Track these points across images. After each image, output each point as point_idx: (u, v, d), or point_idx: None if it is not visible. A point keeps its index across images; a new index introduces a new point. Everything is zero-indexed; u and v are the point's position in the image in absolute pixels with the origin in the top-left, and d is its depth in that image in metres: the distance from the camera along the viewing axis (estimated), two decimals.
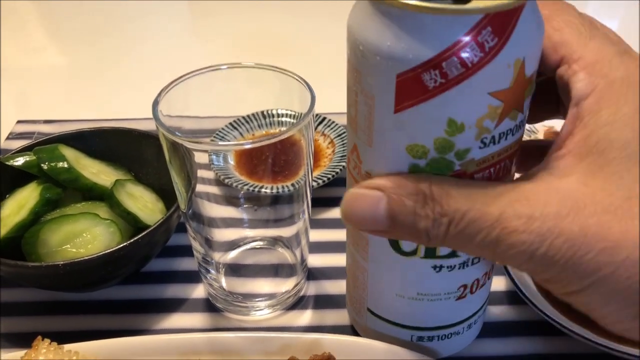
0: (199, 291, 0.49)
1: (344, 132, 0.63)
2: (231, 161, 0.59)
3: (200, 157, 0.43)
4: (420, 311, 0.38)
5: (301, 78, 0.42)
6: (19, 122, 0.70)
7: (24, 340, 0.40)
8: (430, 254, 0.34)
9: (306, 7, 1.04)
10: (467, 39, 0.25)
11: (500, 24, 0.26)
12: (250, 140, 0.39)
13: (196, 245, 0.46)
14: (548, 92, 0.33)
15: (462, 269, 0.35)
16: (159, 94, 0.40)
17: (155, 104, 0.40)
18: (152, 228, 0.44)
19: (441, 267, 0.34)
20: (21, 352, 0.39)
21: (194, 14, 1.11)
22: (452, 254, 0.34)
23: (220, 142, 0.39)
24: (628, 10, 1.00)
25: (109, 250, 0.42)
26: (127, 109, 0.72)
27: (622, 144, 0.26)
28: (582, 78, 0.28)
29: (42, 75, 0.86)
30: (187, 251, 0.52)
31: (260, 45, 0.93)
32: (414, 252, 0.34)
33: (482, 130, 0.28)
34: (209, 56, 0.89)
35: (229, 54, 0.90)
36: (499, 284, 0.49)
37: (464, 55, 0.26)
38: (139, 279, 0.50)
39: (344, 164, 0.58)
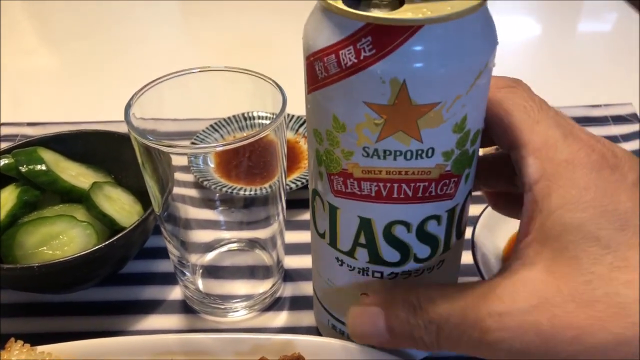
0: (175, 293, 0.50)
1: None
2: (211, 163, 0.59)
3: (179, 160, 0.44)
4: (334, 300, 0.39)
5: (272, 80, 0.42)
6: (3, 124, 0.70)
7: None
8: (332, 243, 0.36)
9: (294, 8, 1.04)
10: (347, 41, 0.27)
11: (381, 38, 0.26)
12: (222, 143, 0.39)
13: (171, 248, 0.46)
14: (506, 164, 0.34)
15: (362, 275, 0.36)
16: (132, 98, 0.41)
17: (128, 107, 0.40)
18: (127, 230, 0.45)
19: (342, 262, 0.36)
20: None
21: (184, 15, 1.11)
22: (351, 252, 0.35)
23: (192, 145, 0.39)
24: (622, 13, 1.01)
25: (84, 252, 0.43)
26: (116, 111, 0.72)
27: (576, 226, 0.28)
28: (531, 163, 0.30)
29: (32, 77, 0.86)
30: (164, 253, 0.52)
31: (249, 47, 0.93)
32: (322, 236, 0.36)
33: (362, 137, 0.29)
34: (199, 58, 0.90)
35: (219, 55, 0.91)
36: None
37: (342, 55, 0.27)
38: (117, 280, 0.50)
39: None
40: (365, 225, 0.33)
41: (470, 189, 0.34)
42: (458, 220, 0.34)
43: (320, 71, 0.29)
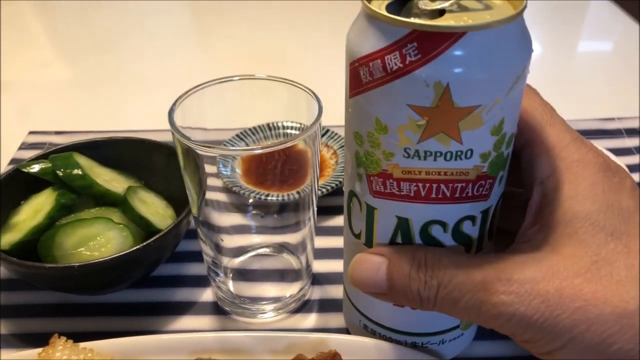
0: (207, 295, 0.51)
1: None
2: (238, 170, 0.61)
3: (209, 168, 0.45)
4: (367, 300, 0.40)
5: (309, 89, 0.44)
6: (30, 133, 0.72)
7: (39, 341, 0.41)
8: (367, 243, 0.37)
9: (311, 20, 1.06)
10: (393, 47, 0.28)
11: (426, 43, 0.28)
12: (260, 146, 0.41)
13: (206, 249, 0.48)
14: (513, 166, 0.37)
15: None
16: (174, 103, 0.42)
17: (171, 111, 0.42)
18: (163, 232, 0.46)
19: None
20: (38, 350, 0.40)
21: (196, 25, 1.14)
22: None
23: (231, 148, 0.41)
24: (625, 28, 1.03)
25: (122, 253, 0.44)
26: (132, 121, 0.74)
27: (585, 215, 0.31)
28: (544, 160, 0.33)
29: (48, 90, 0.88)
30: (195, 257, 0.54)
31: (262, 59, 0.95)
32: (358, 236, 0.38)
33: (404, 139, 0.30)
34: (212, 67, 0.91)
35: (231, 66, 0.92)
36: None
37: (387, 60, 0.29)
38: (149, 282, 0.52)
39: None
40: (402, 225, 0.34)
41: (503, 191, 0.35)
42: (491, 222, 0.35)
43: (365, 76, 0.30)
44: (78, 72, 0.95)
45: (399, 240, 0.35)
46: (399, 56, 0.28)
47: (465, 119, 0.29)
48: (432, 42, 0.28)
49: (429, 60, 0.28)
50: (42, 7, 1.17)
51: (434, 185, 0.32)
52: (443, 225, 0.33)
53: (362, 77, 0.30)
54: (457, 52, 0.28)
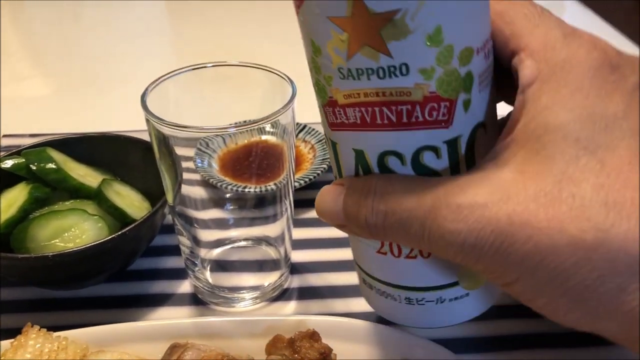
0: (185, 287, 0.50)
1: (324, 139, 0.65)
2: (215, 166, 0.61)
3: (185, 163, 0.45)
4: (385, 266, 0.37)
5: (283, 73, 0.44)
6: (5, 136, 0.71)
7: (13, 336, 0.40)
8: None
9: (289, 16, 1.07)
10: None
11: None
12: (233, 125, 0.41)
13: (183, 241, 0.47)
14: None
15: None
16: (147, 88, 0.42)
17: (144, 95, 0.41)
18: (139, 221, 0.46)
19: None
20: (11, 340, 0.40)
21: (172, 27, 1.14)
22: None
23: (205, 127, 0.40)
24: None
25: (97, 242, 0.44)
26: (109, 125, 0.74)
27: (557, 126, 0.26)
28: (528, 65, 0.29)
29: (22, 99, 0.87)
30: (172, 251, 0.54)
31: (241, 57, 0.95)
32: (335, 178, 0.36)
33: (335, 57, 0.29)
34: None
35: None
36: None
37: None
38: (125, 276, 0.51)
39: (324, 166, 0.60)
40: (360, 158, 0.32)
41: (483, 123, 0.31)
42: (468, 157, 0.30)
43: None
44: (53, 80, 0.94)
45: (361, 174, 0.32)
46: None
47: (387, 27, 0.26)
48: None
49: None
50: (15, 17, 1.17)
51: (377, 109, 0.29)
52: (399, 156, 0.30)
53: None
54: None
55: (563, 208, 0.24)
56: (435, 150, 0.30)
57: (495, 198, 0.26)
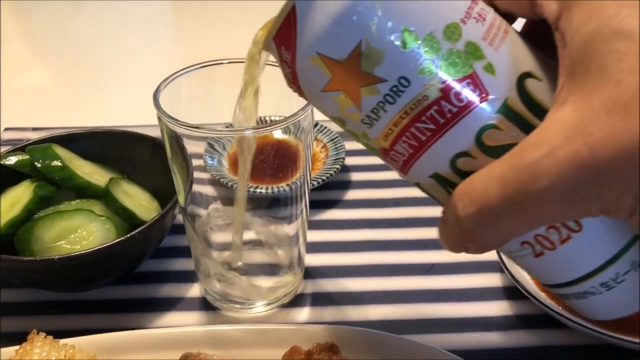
0: (194, 290, 0.49)
1: (337, 137, 0.63)
2: (225, 164, 0.59)
3: (196, 161, 0.43)
4: (523, 267, 0.34)
5: None
6: (6, 129, 0.69)
7: (18, 340, 0.38)
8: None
9: None
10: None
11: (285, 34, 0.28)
12: (250, 128, 0.39)
13: (194, 243, 0.46)
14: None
15: None
16: (160, 84, 0.41)
17: (157, 92, 0.40)
18: (148, 223, 0.44)
19: None
20: (16, 347, 0.38)
21: (177, 21, 1.12)
22: None
23: (219, 129, 0.39)
24: None
25: (105, 245, 0.42)
26: (113, 120, 0.72)
27: (596, 33, 0.25)
28: (548, 4, 0.27)
29: (26, 93, 0.85)
30: (181, 252, 0.52)
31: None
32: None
33: (353, 116, 0.29)
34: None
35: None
36: (495, 280, 0.49)
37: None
38: (133, 279, 0.49)
39: (337, 166, 0.59)
40: (440, 180, 0.30)
41: (527, 73, 0.28)
42: (534, 111, 0.28)
43: None
44: (56, 74, 0.92)
45: (450, 190, 0.30)
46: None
47: (362, 62, 0.27)
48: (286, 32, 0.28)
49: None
50: (16, 10, 1.14)
51: (413, 130, 0.28)
52: (465, 154, 0.28)
53: None
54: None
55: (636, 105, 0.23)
56: (492, 126, 0.28)
57: (566, 134, 0.24)
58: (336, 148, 0.62)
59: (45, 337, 0.38)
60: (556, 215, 0.26)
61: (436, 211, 0.55)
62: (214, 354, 0.38)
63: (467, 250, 0.29)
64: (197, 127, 0.38)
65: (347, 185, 0.61)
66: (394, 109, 0.28)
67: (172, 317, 0.46)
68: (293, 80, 0.30)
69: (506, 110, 0.28)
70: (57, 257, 0.41)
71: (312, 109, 0.42)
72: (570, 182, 0.24)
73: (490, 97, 0.27)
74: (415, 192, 0.59)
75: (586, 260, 0.31)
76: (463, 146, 0.28)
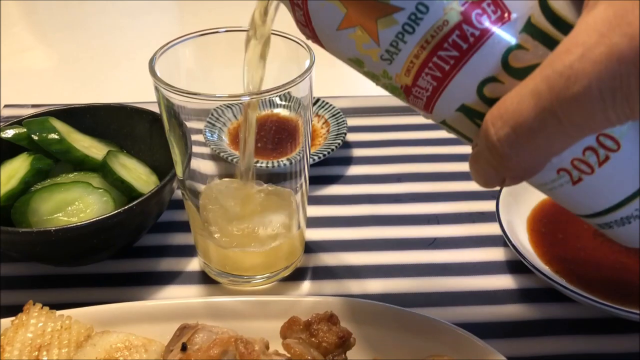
0: (193, 264, 0.48)
1: (339, 113, 0.62)
2: (225, 139, 0.58)
3: (195, 137, 0.43)
4: (557, 200, 0.32)
5: (301, 41, 0.41)
6: (6, 106, 0.69)
7: (16, 312, 0.38)
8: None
9: None
10: None
11: None
12: (247, 93, 0.39)
13: (193, 217, 0.45)
14: None
15: None
16: (156, 53, 0.40)
17: (152, 61, 0.39)
18: (147, 195, 0.43)
19: None
20: (12, 318, 0.38)
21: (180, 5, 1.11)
22: None
23: (216, 95, 0.38)
24: None
25: (103, 217, 0.41)
26: (114, 97, 0.71)
27: None
28: None
29: (27, 75, 0.85)
30: (180, 227, 0.51)
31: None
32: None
33: (372, 52, 0.28)
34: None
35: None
36: (498, 254, 0.49)
37: None
38: (131, 253, 0.49)
39: (339, 141, 0.58)
40: (468, 112, 0.29)
41: None
42: (560, 27, 0.27)
43: None
44: (56, 54, 0.92)
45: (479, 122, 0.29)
46: None
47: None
48: None
49: None
50: None
51: (436, 59, 0.27)
52: (492, 79, 0.27)
53: None
54: None
55: None
56: (518, 46, 0.26)
57: (602, 30, 0.23)
58: (338, 124, 0.61)
59: (42, 308, 0.38)
60: (597, 121, 0.24)
61: (439, 187, 0.55)
62: (212, 325, 0.38)
63: (502, 183, 0.28)
64: (195, 94, 0.37)
65: (348, 161, 0.60)
66: (413, 39, 0.27)
67: (172, 291, 0.46)
68: (306, 23, 0.29)
69: (531, 29, 0.26)
70: (53, 228, 0.40)
71: (310, 80, 0.41)
72: (609, 80, 0.23)
73: (513, 16, 0.26)
74: (417, 168, 0.59)
75: (627, 181, 0.29)
76: (489, 71, 0.27)
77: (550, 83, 0.24)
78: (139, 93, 0.69)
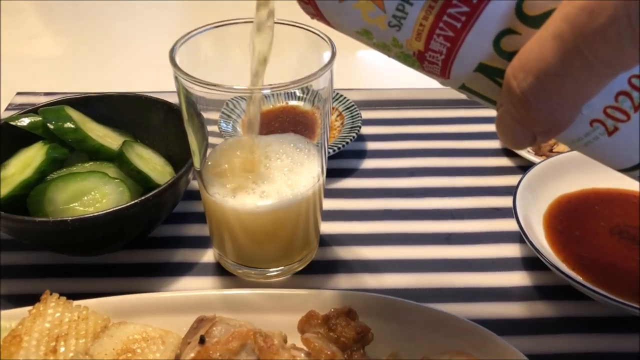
0: (208, 256, 0.48)
1: (353, 106, 0.62)
2: (240, 130, 0.58)
3: (210, 127, 0.43)
4: (594, 156, 0.30)
5: (322, 33, 0.41)
6: (18, 93, 0.69)
7: (31, 302, 0.38)
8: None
9: None
10: None
11: None
12: (269, 86, 0.38)
13: (208, 207, 0.45)
14: None
15: None
16: (176, 43, 0.39)
17: (173, 51, 0.39)
18: (163, 186, 0.43)
19: None
20: (29, 308, 0.37)
21: None
22: None
23: (237, 87, 0.38)
24: None
25: (119, 207, 0.41)
26: (126, 85, 0.71)
27: None
28: None
29: (38, 61, 0.84)
30: (195, 218, 0.51)
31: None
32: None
33: (378, 20, 0.27)
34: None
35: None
36: (514, 251, 0.48)
37: None
38: (146, 243, 0.49)
39: (353, 134, 0.57)
40: (486, 71, 0.27)
41: None
42: None
43: None
44: (68, 43, 0.91)
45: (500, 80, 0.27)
46: None
47: None
48: None
49: None
50: None
51: (446, 18, 0.25)
52: (508, 31, 0.26)
53: None
54: None
55: None
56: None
57: None
58: (352, 117, 0.60)
59: (59, 298, 0.38)
60: (627, 54, 0.22)
61: (453, 182, 0.55)
62: (230, 318, 0.38)
63: (533, 141, 0.27)
64: (215, 85, 0.37)
65: (362, 154, 0.60)
66: (419, 1, 0.25)
67: (187, 282, 0.46)
68: (308, 0, 0.28)
69: None
70: (70, 218, 0.40)
71: (331, 73, 0.40)
72: (638, 4, 0.21)
73: None
74: (431, 162, 0.58)
75: None
76: (504, 23, 0.25)
77: (572, 20, 0.22)
78: (152, 80, 0.69)
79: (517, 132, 0.26)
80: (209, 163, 0.44)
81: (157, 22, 0.96)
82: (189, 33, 0.41)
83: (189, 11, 1.04)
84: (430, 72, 0.28)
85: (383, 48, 0.28)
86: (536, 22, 0.24)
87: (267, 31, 0.38)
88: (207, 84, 0.37)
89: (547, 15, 0.24)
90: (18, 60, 0.81)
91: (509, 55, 0.25)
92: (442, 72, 0.27)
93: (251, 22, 0.43)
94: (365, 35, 0.28)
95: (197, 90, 0.38)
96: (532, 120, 0.25)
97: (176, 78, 0.39)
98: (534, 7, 0.24)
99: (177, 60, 0.39)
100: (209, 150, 0.44)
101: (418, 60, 0.28)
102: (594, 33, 0.22)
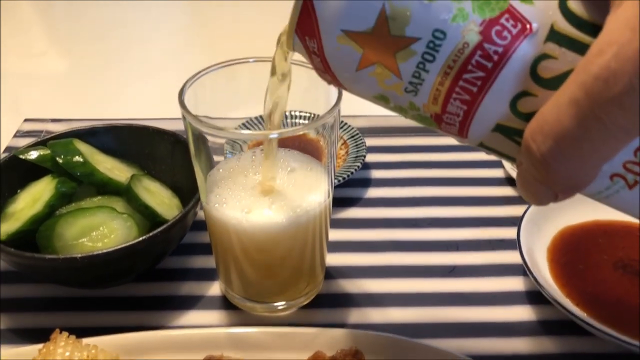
0: (214, 288, 0.48)
1: (357, 134, 0.62)
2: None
3: (216, 157, 0.43)
4: (616, 207, 0.30)
5: None
6: (26, 120, 0.69)
7: (39, 337, 0.39)
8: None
9: None
10: None
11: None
12: (276, 131, 0.39)
13: (215, 240, 0.45)
14: None
15: None
16: (185, 84, 0.40)
17: (182, 93, 0.39)
18: (171, 222, 0.44)
19: None
20: (38, 346, 0.38)
21: (195, 7, 1.11)
22: None
23: (245, 132, 0.38)
24: None
25: (128, 244, 0.42)
26: (132, 110, 0.72)
27: None
28: None
29: (44, 80, 0.85)
30: (201, 249, 0.52)
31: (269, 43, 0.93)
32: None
33: (395, 87, 0.27)
34: (216, 52, 0.89)
35: (236, 50, 0.90)
36: (518, 284, 0.49)
37: None
38: (154, 276, 0.49)
39: (358, 164, 0.58)
40: (504, 130, 0.28)
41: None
42: (586, 30, 0.26)
43: None
44: (74, 61, 0.92)
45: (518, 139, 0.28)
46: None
47: (391, 26, 0.26)
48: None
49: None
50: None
51: (462, 83, 0.26)
52: (524, 93, 0.26)
53: None
54: None
55: None
56: (545, 56, 0.26)
57: (635, 25, 0.22)
58: (357, 145, 0.61)
59: (68, 336, 0.38)
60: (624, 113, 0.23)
61: (458, 212, 0.55)
62: (236, 357, 0.38)
63: (556, 198, 0.27)
64: (222, 129, 0.38)
65: (367, 182, 0.60)
66: (435, 67, 0.26)
67: (193, 316, 0.46)
68: (325, 69, 0.29)
69: (555, 36, 0.25)
70: (79, 255, 0.41)
71: (338, 109, 0.41)
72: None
73: (534, 26, 0.25)
74: (436, 192, 0.59)
75: None
76: (520, 86, 0.26)
77: (588, 89, 0.23)
78: (158, 103, 0.69)
79: (538, 191, 0.27)
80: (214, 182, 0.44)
81: (166, 46, 0.96)
82: (198, 73, 0.41)
83: (198, 37, 1.05)
84: (447, 132, 0.29)
85: (400, 111, 0.29)
86: (551, 84, 0.25)
87: (285, 82, 0.39)
88: (216, 128, 0.37)
89: (562, 77, 0.24)
90: (25, 78, 0.82)
91: (527, 117, 0.26)
92: (460, 132, 0.28)
93: (263, 61, 0.44)
94: (383, 100, 0.29)
95: (205, 130, 0.38)
96: (553, 181, 0.26)
97: (184, 117, 0.39)
98: (549, 70, 0.25)
99: (185, 97, 0.39)
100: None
101: (435, 122, 0.28)
102: (610, 101, 0.22)
